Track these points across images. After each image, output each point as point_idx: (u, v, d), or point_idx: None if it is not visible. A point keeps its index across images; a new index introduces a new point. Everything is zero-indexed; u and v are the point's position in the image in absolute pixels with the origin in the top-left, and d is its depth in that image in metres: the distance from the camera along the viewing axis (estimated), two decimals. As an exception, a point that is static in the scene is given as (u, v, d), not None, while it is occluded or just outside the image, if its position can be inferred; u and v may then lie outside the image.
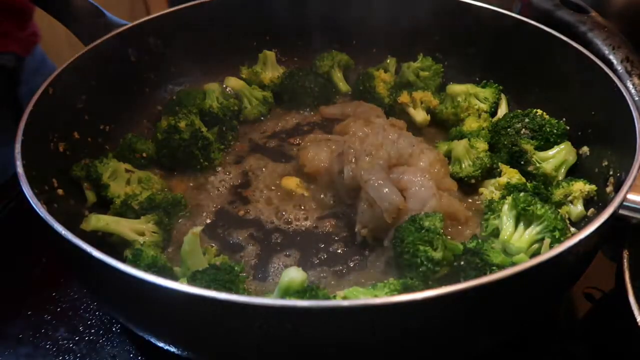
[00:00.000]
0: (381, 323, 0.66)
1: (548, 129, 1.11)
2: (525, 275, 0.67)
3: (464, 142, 1.14)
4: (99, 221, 0.96)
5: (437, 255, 0.87)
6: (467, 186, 1.12)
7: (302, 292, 0.78)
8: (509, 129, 1.14)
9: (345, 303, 0.63)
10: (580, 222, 1.01)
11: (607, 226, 0.75)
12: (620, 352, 0.90)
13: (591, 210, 1.01)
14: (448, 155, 1.15)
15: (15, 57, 1.54)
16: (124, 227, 0.97)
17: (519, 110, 1.17)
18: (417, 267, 0.87)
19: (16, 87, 1.56)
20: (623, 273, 0.86)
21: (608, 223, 0.74)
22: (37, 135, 0.95)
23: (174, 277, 0.90)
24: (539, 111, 1.15)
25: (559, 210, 0.98)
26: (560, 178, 1.09)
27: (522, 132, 1.13)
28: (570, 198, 1.02)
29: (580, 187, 1.01)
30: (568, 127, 1.13)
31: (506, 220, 0.96)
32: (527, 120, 1.14)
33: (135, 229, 0.98)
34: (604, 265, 1.02)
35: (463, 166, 1.13)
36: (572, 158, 1.10)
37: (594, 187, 1.01)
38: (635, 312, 0.80)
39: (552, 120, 1.13)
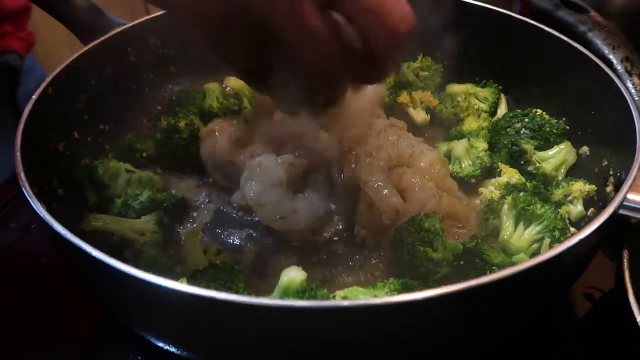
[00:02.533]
0: (381, 323, 0.66)
1: (548, 129, 1.11)
2: (525, 275, 0.67)
3: (464, 142, 1.14)
4: (99, 221, 0.96)
5: (438, 256, 0.87)
6: (467, 186, 1.12)
7: (302, 292, 0.78)
8: (509, 129, 1.14)
9: (345, 303, 0.63)
10: (580, 222, 1.01)
11: (607, 226, 0.75)
12: (620, 352, 0.90)
13: (591, 210, 1.01)
14: (448, 156, 1.15)
15: (18, 56, 1.55)
16: (124, 227, 0.97)
17: (519, 110, 1.17)
18: (418, 268, 0.87)
19: (17, 87, 1.57)
20: (623, 273, 0.86)
21: (608, 223, 0.74)
22: (37, 135, 0.94)
23: (174, 277, 0.90)
24: (539, 111, 1.15)
25: (559, 210, 0.98)
26: (560, 178, 1.09)
27: (522, 132, 1.13)
28: (570, 198, 1.02)
29: (580, 187, 1.01)
30: (568, 127, 1.13)
31: (506, 220, 0.96)
32: (527, 120, 1.13)
33: (135, 229, 0.98)
34: (604, 265, 1.02)
35: (463, 166, 1.13)
36: (572, 158, 1.10)
37: (594, 187, 1.00)
38: (635, 312, 0.80)
39: (552, 120, 1.13)
